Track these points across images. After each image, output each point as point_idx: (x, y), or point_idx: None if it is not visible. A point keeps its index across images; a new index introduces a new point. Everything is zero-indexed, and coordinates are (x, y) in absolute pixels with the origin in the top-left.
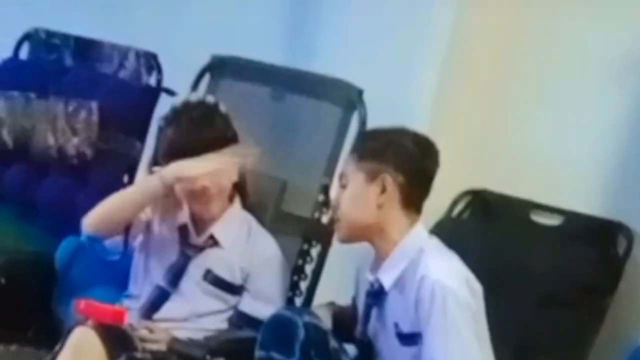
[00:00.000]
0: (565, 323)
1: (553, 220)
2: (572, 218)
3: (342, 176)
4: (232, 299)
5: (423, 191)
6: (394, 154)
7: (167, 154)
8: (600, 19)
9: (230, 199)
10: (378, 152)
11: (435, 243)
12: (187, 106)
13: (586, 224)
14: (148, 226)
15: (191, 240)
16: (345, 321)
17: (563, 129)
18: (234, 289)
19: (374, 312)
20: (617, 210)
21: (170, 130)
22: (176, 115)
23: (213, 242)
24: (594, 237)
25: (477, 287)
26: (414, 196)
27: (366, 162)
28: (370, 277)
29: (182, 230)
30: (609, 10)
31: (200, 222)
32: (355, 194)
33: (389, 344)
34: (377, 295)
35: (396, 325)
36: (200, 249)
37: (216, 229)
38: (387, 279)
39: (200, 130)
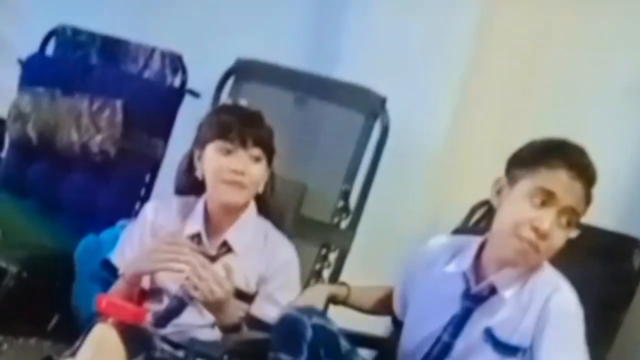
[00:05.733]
0: None
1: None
2: (587, 232)
3: (572, 212)
4: (247, 307)
5: None
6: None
7: (239, 128)
8: (626, 26)
9: (247, 204)
10: (590, 200)
11: (547, 264)
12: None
13: (601, 238)
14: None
15: (204, 249)
16: (357, 305)
17: (581, 142)
18: (249, 298)
19: (472, 315)
20: (633, 225)
21: (219, 115)
22: (224, 106)
23: (227, 249)
24: (609, 251)
25: None
26: None
27: (584, 206)
28: (472, 278)
29: (193, 239)
30: (635, 14)
31: (213, 230)
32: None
33: (473, 347)
34: (480, 298)
35: (490, 331)
36: (213, 258)
37: (229, 235)
38: (506, 288)
39: (253, 116)
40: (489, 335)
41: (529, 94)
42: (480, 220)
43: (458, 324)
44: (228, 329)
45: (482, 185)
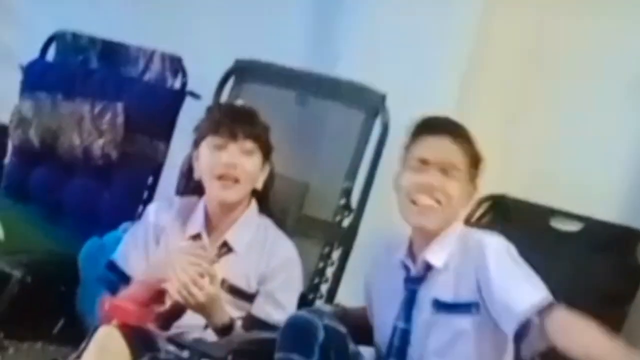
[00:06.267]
0: None
1: (573, 227)
2: (591, 225)
3: (451, 167)
4: (249, 307)
5: None
6: (482, 165)
7: (230, 123)
8: (627, 23)
9: (249, 202)
10: (479, 161)
11: (469, 228)
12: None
13: (605, 231)
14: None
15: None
16: (353, 324)
17: (584, 136)
18: (250, 297)
19: (417, 296)
20: (637, 218)
21: (211, 112)
22: (216, 104)
23: (227, 249)
24: (613, 244)
25: None
26: None
27: (471, 165)
28: (409, 262)
29: (196, 239)
30: (635, 16)
31: (213, 231)
32: (463, 190)
33: (427, 324)
34: (420, 278)
35: (437, 301)
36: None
37: (229, 235)
38: (437, 258)
39: (244, 112)
40: (438, 305)
41: (530, 90)
42: (483, 215)
43: (407, 308)
44: (219, 330)
45: (485, 181)
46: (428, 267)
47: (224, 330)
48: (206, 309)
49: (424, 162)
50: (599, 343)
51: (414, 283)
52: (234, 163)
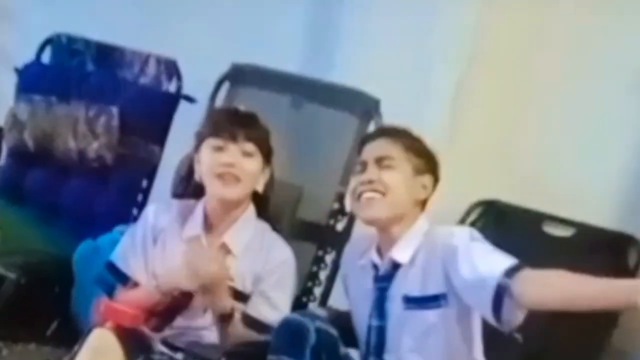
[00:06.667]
0: (575, 333)
1: (565, 232)
2: (583, 230)
3: (384, 158)
4: (244, 308)
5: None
6: (433, 158)
7: (231, 125)
8: (624, 23)
9: (248, 204)
10: (423, 153)
11: (436, 226)
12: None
13: (597, 236)
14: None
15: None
16: (345, 326)
17: (577, 141)
18: (245, 298)
19: (388, 293)
20: (629, 223)
21: (212, 115)
22: (218, 108)
23: (225, 250)
24: (605, 249)
25: None
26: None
27: (413, 156)
28: (377, 261)
29: (192, 242)
30: (633, 15)
31: (212, 233)
32: (406, 180)
33: (399, 320)
34: (389, 276)
35: (407, 297)
36: None
37: (228, 237)
38: (402, 255)
39: (244, 115)
40: (408, 300)
41: (526, 95)
42: (476, 220)
43: (379, 306)
44: (219, 317)
45: (478, 186)
46: (395, 265)
47: (224, 317)
48: (212, 291)
49: (363, 163)
50: (579, 284)
51: (383, 281)
52: (233, 163)
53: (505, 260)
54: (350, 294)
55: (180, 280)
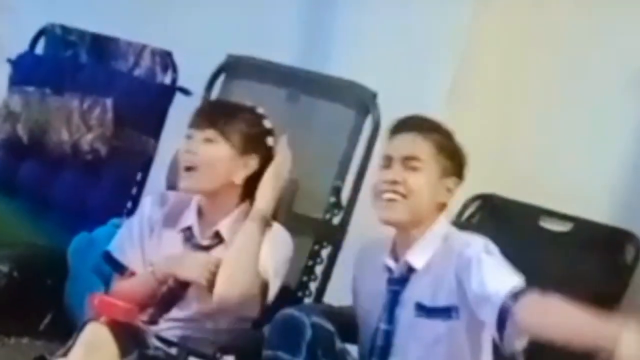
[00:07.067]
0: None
1: (562, 227)
2: (581, 225)
3: (412, 158)
4: None
5: None
6: (462, 159)
7: (199, 113)
8: (619, 21)
9: (243, 198)
10: (454, 154)
11: (456, 230)
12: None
13: (595, 231)
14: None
15: (196, 240)
16: (340, 322)
17: (573, 136)
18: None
19: (401, 297)
20: (626, 219)
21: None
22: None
23: (219, 240)
24: (603, 244)
25: None
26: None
27: (443, 157)
28: (392, 264)
29: (186, 232)
30: (628, 12)
31: (205, 222)
32: (431, 183)
33: (409, 326)
34: (403, 279)
35: (419, 304)
36: (205, 248)
37: (221, 226)
38: (418, 260)
39: (220, 105)
40: (420, 308)
41: (522, 90)
42: (472, 215)
43: (390, 309)
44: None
45: (474, 180)
46: (410, 269)
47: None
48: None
49: (388, 158)
50: (572, 319)
51: (396, 284)
52: (193, 150)
53: (512, 280)
54: (360, 296)
55: (176, 268)
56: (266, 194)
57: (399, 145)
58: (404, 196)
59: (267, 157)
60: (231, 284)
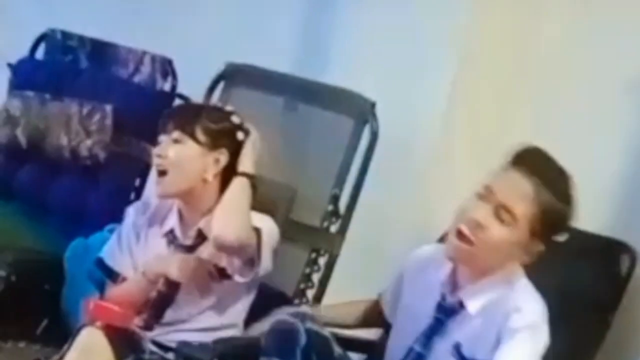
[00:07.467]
0: (567, 339)
1: (559, 237)
2: (576, 235)
3: (507, 210)
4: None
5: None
6: (559, 227)
7: (166, 118)
8: (616, 25)
9: (220, 195)
10: (555, 221)
11: (524, 281)
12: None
13: (590, 242)
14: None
15: (179, 242)
16: (330, 321)
17: (570, 146)
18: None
19: (443, 328)
20: (621, 230)
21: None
22: None
23: (202, 238)
24: (598, 255)
25: None
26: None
27: (540, 222)
28: (447, 291)
29: (169, 235)
30: (627, 12)
31: (186, 223)
32: (513, 244)
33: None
34: (452, 311)
35: (458, 345)
36: (189, 248)
37: (203, 224)
38: (473, 303)
39: (188, 107)
40: (457, 351)
41: (520, 98)
42: None
43: (429, 335)
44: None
45: (473, 190)
46: (462, 304)
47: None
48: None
49: (489, 191)
50: None
51: (444, 313)
52: (162, 154)
53: None
54: (403, 302)
55: (166, 268)
56: (247, 159)
57: (505, 186)
58: (474, 245)
59: (238, 151)
60: (226, 225)
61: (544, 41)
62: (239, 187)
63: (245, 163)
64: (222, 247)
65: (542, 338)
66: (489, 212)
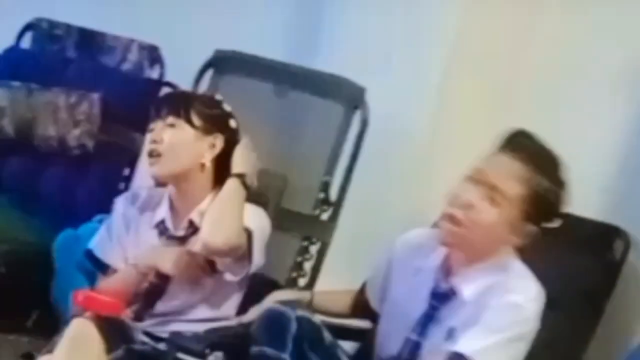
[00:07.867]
0: (561, 325)
1: (552, 223)
2: (570, 221)
3: (498, 191)
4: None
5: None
6: (553, 211)
7: (158, 104)
8: (607, 23)
9: (213, 186)
10: (547, 204)
11: (519, 265)
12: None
13: (584, 227)
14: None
15: (170, 233)
16: (322, 308)
17: (563, 133)
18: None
19: (438, 314)
20: (615, 215)
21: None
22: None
23: (193, 229)
24: (592, 241)
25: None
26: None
27: (531, 204)
28: (440, 277)
29: (160, 226)
30: (616, 14)
31: (178, 213)
32: (504, 224)
33: (437, 345)
34: (446, 297)
35: (452, 330)
36: (181, 239)
37: (194, 214)
38: (467, 289)
39: (178, 94)
40: (452, 336)
41: (512, 87)
42: None
43: (424, 323)
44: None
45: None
46: (456, 291)
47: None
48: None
49: (481, 174)
50: None
51: (438, 300)
52: (157, 139)
53: (480, 348)
54: (394, 290)
55: (157, 261)
56: (240, 160)
57: (496, 168)
58: (466, 228)
59: (232, 139)
60: (216, 229)
61: (536, 37)
62: (232, 189)
63: (239, 164)
64: (212, 252)
65: (525, 316)
66: (480, 194)
